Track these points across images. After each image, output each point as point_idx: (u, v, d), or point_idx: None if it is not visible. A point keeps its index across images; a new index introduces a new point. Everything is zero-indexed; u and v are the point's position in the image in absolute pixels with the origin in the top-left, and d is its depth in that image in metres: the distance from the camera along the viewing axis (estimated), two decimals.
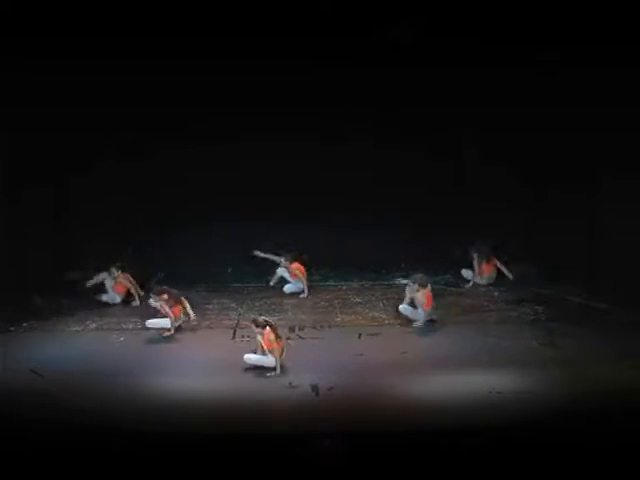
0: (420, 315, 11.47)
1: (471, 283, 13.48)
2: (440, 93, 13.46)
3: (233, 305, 12.67)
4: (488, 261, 13.43)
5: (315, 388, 8.94)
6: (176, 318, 11.17)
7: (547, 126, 13.13)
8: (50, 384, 9.17)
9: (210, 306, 12.61)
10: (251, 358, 9.75)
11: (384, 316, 12.02)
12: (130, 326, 11.67)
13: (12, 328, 11.46)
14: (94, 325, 11.77)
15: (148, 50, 12.44)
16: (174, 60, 12.83)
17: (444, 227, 14.04)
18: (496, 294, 13.10)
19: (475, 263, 13.46)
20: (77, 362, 10.00)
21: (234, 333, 11.23)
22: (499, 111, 13.36)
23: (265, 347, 9.71)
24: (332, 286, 13.73)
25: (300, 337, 11.07)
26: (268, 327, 9.82)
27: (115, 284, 12.69)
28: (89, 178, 13.83)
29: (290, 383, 9.12)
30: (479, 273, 13.47)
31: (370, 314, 12.15)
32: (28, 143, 12.63)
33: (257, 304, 12.66)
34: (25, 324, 11.65)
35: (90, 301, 12.57)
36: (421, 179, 14.11)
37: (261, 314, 10.86)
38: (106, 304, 12.58)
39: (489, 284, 13.44)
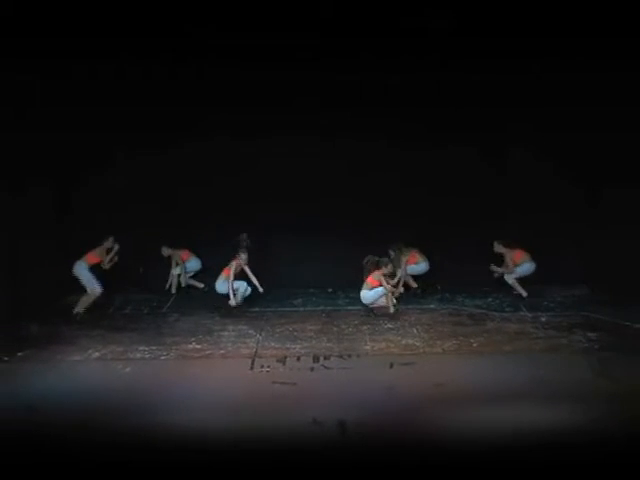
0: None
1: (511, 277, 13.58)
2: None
3: (251, 332, 12.23)
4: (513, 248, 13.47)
5: (342, 425, 8.40)
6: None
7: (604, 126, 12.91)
8: (48, 422, 8.49)
9: (225, 333, 12.17)
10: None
11: (419, 344, 11.45)
12: (137, 355, 11.13)
13: (6, 358, 10.98)
14: (97, 354, 11.20)
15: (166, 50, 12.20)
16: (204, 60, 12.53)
17: (482, 247, 13.64)
18: (544, 319, 12.50)
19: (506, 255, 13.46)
20: (78, 397, 9.36)
21: (252, 363, 10.66)
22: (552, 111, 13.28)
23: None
24: (360, 310, 13.19)
25: (325, 367, 10.52)
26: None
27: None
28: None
29: (314, 419, 8.48)
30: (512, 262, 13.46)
31: (403, 341, 11.58)
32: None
33: (277, 330, 12.22)
34: (20, 354, 11.15)
35: (91, 327, 12.31)
36: (470, 195, 13.89)
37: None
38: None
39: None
